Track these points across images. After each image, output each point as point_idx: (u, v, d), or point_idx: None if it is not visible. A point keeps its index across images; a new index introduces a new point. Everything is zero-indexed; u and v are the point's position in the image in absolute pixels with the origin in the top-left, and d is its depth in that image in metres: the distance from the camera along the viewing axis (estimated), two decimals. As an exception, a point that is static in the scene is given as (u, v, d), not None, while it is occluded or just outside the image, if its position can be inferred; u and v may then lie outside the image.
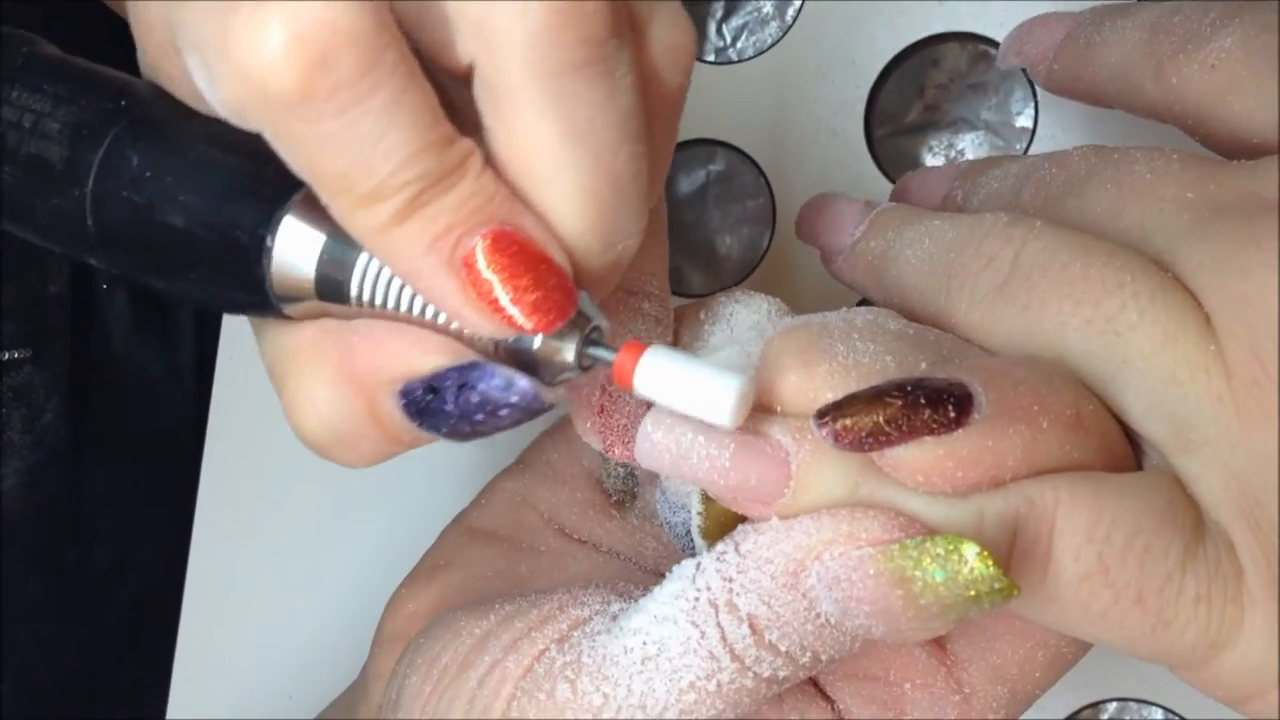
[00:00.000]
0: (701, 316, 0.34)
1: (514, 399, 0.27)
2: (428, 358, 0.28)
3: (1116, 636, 0.27)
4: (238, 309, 0.29)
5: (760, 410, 0.28)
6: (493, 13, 0.25)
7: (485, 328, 0.27)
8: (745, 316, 0.34)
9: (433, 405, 0.28)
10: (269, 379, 0.30)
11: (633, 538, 0.36)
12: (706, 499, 0.29)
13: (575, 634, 0.28)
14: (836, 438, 0.25)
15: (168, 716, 0.49)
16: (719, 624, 0.26)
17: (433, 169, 0.25)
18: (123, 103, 0.28)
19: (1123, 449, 0.28)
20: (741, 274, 0.47)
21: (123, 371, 0.57)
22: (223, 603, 0.50)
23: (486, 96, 0.26)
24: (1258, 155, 0.30)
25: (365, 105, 0.24)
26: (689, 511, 0.31)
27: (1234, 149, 0.31)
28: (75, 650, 0.55)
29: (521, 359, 0.28)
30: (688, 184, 0.48)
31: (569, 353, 0.27)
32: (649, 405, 0.29)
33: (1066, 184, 0.32)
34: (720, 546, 0.27)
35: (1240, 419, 0.26)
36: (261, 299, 0.28)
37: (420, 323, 0.28)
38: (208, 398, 0.51)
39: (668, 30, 0.28)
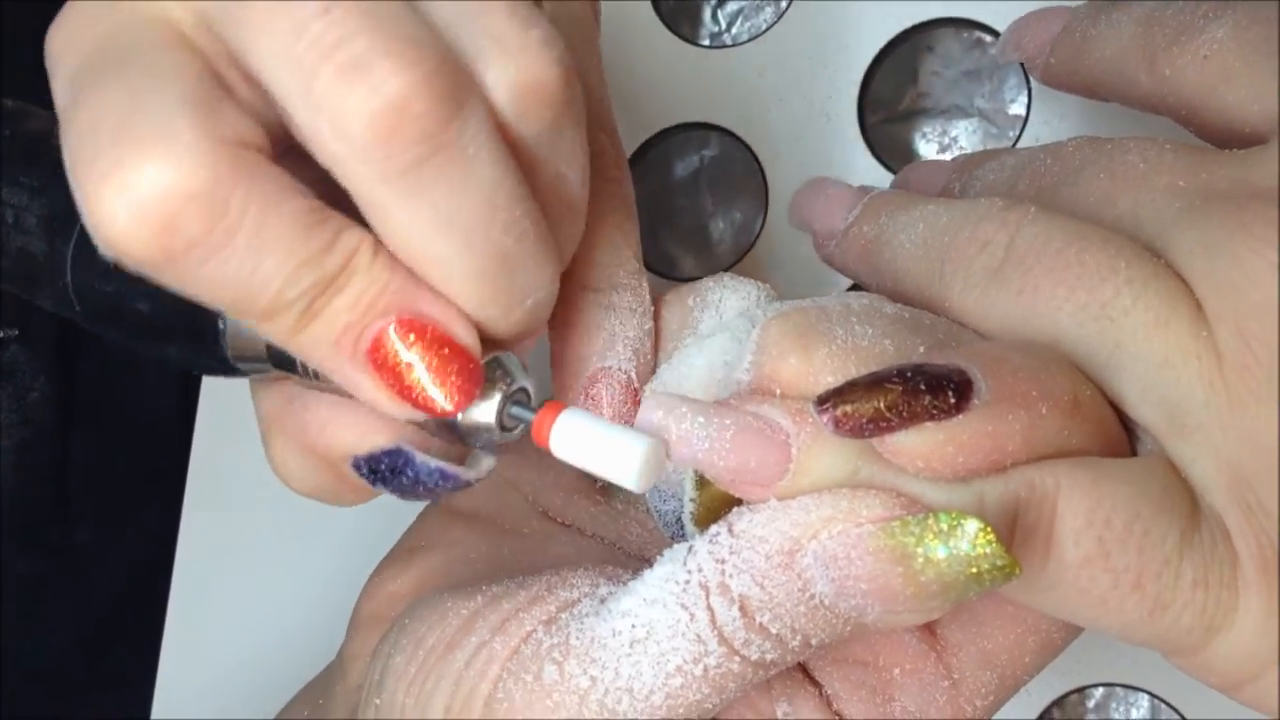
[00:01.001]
0: (690, 302, 0.34)
1: (440, 481, 0.29)
2: (365, 439, 0.29)
3: (1113, 621, 0.27)
4: (219, 374, 0.31)
5: (760, 393, 0.28)
6: (319, 132, 0.25)
7: (402, 414, 0.27)
8: (734, 302, 0.34)
9: (379, 479, 0.29)
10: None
11: (617, 523, 0.36)
12: (700, 485, 0.29)
13: (563, 616, 0.28)
14: (837, 424, 0.25)
15: (155, 692, 0.49)
16: (709, 606, 0.26)
17: (317, 280, 0.26)
18: None
19: (1118, 434, 0.28)
20: (733, 259, 0.46)
21: (108, 352, 0.57)
22: (211, 584, 0.49)
23: (352, 197, 0.26)
24: (1250, 145, 0.30)
25: (226, 251, 0.25)
26: (680, 500, 0.31)
27: (1227, 139, 0.31)
28: (65, 630, 0.55)
29: (451, 428, 0.29)
30: (681, 168, 0.48)
31: (491, 418, 0.28)
32: (635, 404, 0.30)
33: (1061, 174, 0.32)
34: (714, 529, 0.27)
35: (1231, 404, 0.26)
36: (233, 369, 0.29)
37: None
38: (192, 383, 0.51)
39: (509, 72, 0.26)
